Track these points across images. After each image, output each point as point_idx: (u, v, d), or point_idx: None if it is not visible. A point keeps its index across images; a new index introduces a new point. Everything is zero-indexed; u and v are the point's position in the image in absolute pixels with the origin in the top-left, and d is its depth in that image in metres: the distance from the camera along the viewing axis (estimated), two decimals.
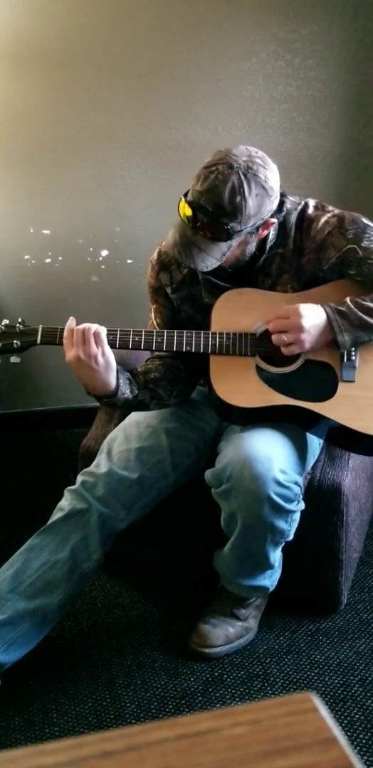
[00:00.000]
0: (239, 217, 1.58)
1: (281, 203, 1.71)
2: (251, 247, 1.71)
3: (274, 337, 1.67)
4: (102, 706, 1.72)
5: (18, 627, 1.72)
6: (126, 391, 1.73)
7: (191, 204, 1.60)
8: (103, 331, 1.65)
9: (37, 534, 1.80)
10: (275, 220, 1.69)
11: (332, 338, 1.67)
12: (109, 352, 1.65)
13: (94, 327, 1.65)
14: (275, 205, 1.66)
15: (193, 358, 1.83)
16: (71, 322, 1.66)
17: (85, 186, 2.74)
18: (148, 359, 1.91)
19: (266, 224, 1.67)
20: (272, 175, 1.62)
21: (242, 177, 1.57)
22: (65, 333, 1.65)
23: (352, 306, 1.67)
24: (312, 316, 1.65)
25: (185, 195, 1.63)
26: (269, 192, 1.61)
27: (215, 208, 1.57)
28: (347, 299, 1.69)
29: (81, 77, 2.62)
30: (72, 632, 1.95)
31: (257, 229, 1.66)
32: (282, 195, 1.72)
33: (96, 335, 1.63)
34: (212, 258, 1.62)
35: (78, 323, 1.67)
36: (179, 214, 1.64)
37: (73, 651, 1.90)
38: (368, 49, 2.76)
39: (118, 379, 1.69)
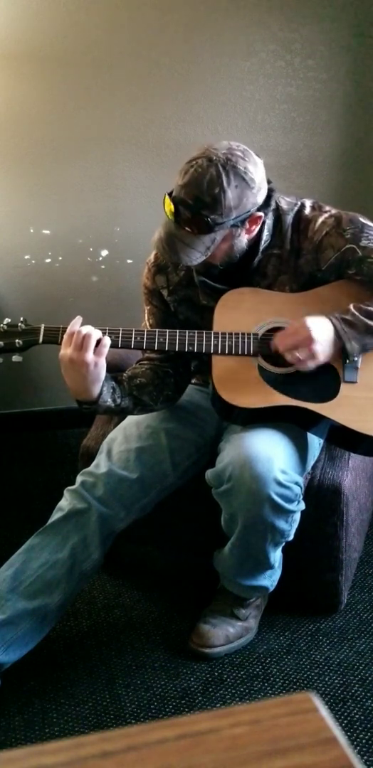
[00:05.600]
0: (219, 208, 1.57)
1: (268, 197, 1.68)
2: (241, 243, 1.69)
3: (288, 356, 1.65)
4: (102, 706, 1.72)
5: (18, 627, 1.72)
6: (108, 400, 1.72)
7: (173, 199, 1.61)
8: (107, 343, 1.63)
9: (37, 534, 1.80)
10: (261, 214, 1.67)
11: (341, 347, 1.66)
12: (103, 365, 1.64)
13: (97, 335, 1.63)
14: (259, 199, 1.64)
15: (183, 362, 1.83)
16: (76, 322, 1.66)
17: (85, 186, 2.74)
18: (138, 361, 1.91)
19: (252, 219, 1.66)
20: (253, 168, 1.61)
21: (221, 169, 1.57)
22: (67, 331, 1.64)
23: (356, 313, 1.66)
24: (320, 327, 1.64)
25: (170, 193, 1.63)
26: (250, 183, 1.60)
27: (195, 200, 1.57)
28: (351, 306, 1.68)
29: (81, 77, 2.62)
30: (72, 632, 1.95)
31: (243, 222, 1.64)
32: (270, 191, 1.69)
33: (99, 344, 1.62)
34: (196, 252, 1.61)
35: (81, 323, 1.66)
36: (165, 212, 1.64)
37: (73, 651, 1.90)
38: (368, 49, 2.76)
39: (102, 387, 1.68)
